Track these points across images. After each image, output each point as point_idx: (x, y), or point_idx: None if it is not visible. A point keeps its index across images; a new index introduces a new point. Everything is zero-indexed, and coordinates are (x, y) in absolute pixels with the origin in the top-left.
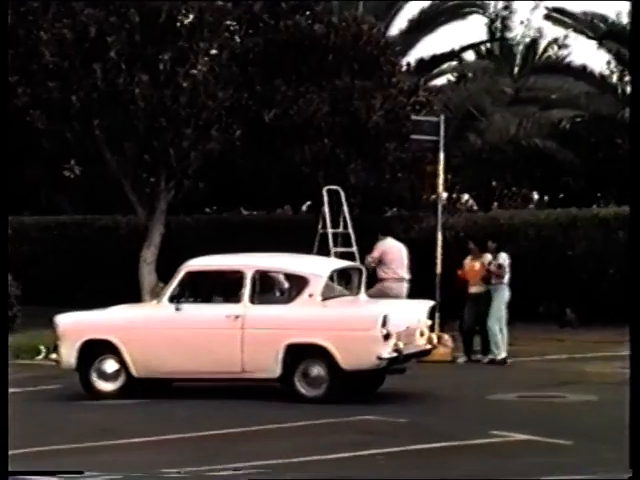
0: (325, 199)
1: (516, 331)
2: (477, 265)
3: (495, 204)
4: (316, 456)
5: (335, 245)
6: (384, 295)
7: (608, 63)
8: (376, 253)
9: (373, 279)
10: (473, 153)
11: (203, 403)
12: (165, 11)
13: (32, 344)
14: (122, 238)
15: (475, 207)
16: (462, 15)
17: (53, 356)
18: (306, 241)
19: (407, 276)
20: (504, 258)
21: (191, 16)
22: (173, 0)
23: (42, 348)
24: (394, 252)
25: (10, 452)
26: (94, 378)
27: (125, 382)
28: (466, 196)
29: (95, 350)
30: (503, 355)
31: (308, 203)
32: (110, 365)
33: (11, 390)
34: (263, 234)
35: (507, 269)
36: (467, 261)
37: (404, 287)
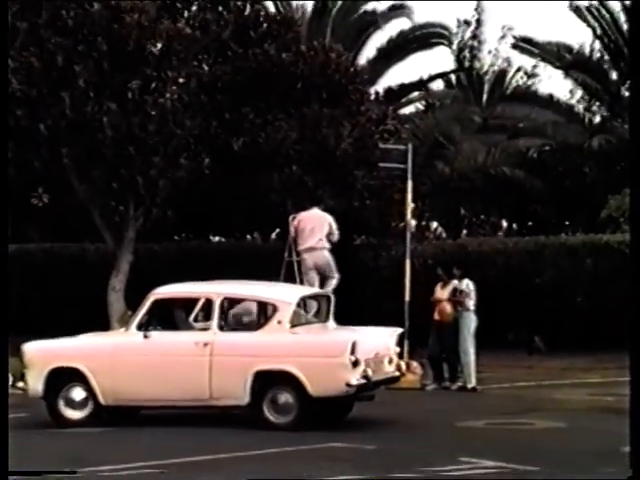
0: (291, 226)
1: (485, 358)
2: (445, 292)
3: (464, 232)
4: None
5: (300, 272)
6: (307, 267)
7: (571, 92)
8: (291, 226)
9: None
10: (442, 181)
11: (171, 431)
12: (133, 39)
13: None
14: (90, 266)
15: (444, 235)
16: (430, 45)
17: (20, 384)
18: (275, 268)
19: (318, 245)
20: (467, 284)
21: (159, 44)
22: (141, 28)
23: (9, 376)
24: (304, 222)
25: None
26: (61, 406)
27: (93, 410)
28: (435, 224)
29: (62, 378)
30: (473, 382)
31: (277, 230)
32: (78, 393)
33: None
34: (232, 262)
35: (472, 295)
36: (437, 288)
37: (319, 256)
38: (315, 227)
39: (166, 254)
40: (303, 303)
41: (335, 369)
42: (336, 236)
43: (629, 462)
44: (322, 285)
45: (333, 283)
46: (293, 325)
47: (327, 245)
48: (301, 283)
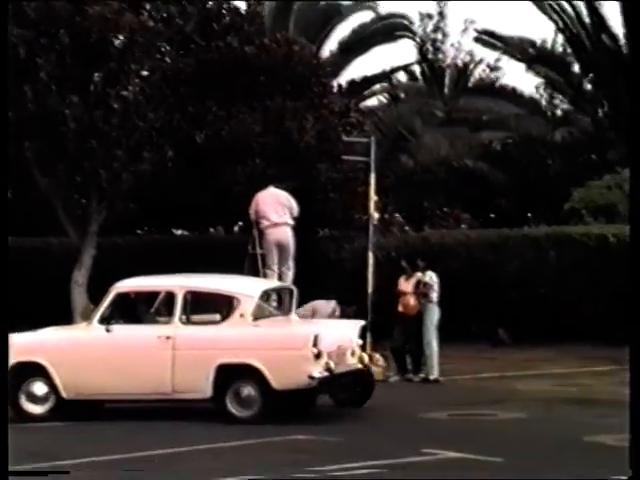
0: (251, 209)
1: (449, 350)
2: (409, 285)
3: (427, 225)
4: (247, 476)
5: (264, 266)
6: (268, 242)
7: (537, 88)
8: (251, 209)
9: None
10: (405, 174)
11: (134, 424)
12: (96, 32)
13: None
14: (53, 260)
15: (407, 228)
16: (393, 38)
17: None
18: (239, 261)
19: (281, 220)
20: (431, 276)
21: (122, 37)
22: (104, 21)
23: None
24: (263, 200)
25: None
26: (23, 401)
27: (55, 404)
28: (398, 216)
29: (24, 373)
30: (436, 374)
31: (240, 223)
32: (39, 387)
33: None
34: (196, 255)
35: (435, 288)
36: (401, 280)
37: (282, 231)
38: (275, 204)
39: (129, 247)
40: (266, 296)
41: (298, 362)
42: (296, 210)
43: (629, 462)
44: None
45: (289, 276)
46: (256, 318)
47: (289, 221)
48: (264, 276)
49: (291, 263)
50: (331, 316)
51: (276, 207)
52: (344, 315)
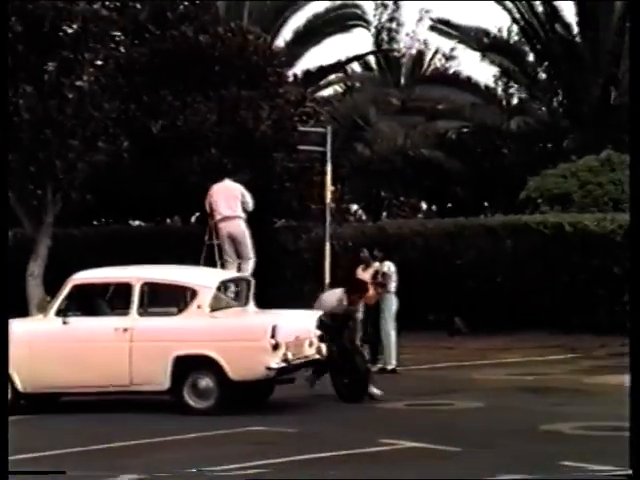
0: (206, 201)
1: (406, 340)
2: (367, 275)
3: (384, 214)
4: (204, 468)
5: (221, 257)
6: (221, 237)
7: (495, 77)
8: (206, 201)
9: None
10: (361, 163)
11: (91, 417)
12: (49, 21)
13: None
14: (8, 251)
15: (364, 217)
16: (347, 27)
17: None
18: (196, 252)
19: (232, 213)
20: (389, 266)
21: (75, 26)
22: (57, 10)
23: None
24: (219, 193)
25: None
26: None
27: (11, 397)
28: (355, 206)
29: None
30: (393, 364)
31: (197, 214)
32: None
33: None
34: (152, 246)
35: (393, 278)
36: (359, 270)
37: (235, 224)
38: (228, 197)
39: (85, 239)
40: (223, 287)
41: (255, 353)
42: (250, 205)
43: (629, 462)
44: (239, 267)
45: (250, 266)
46: (213, 309)
47: (242, 215)
48: (222, 267)
49: (251, 254)
50: (339, 304)
51: (229, 200)
52: None
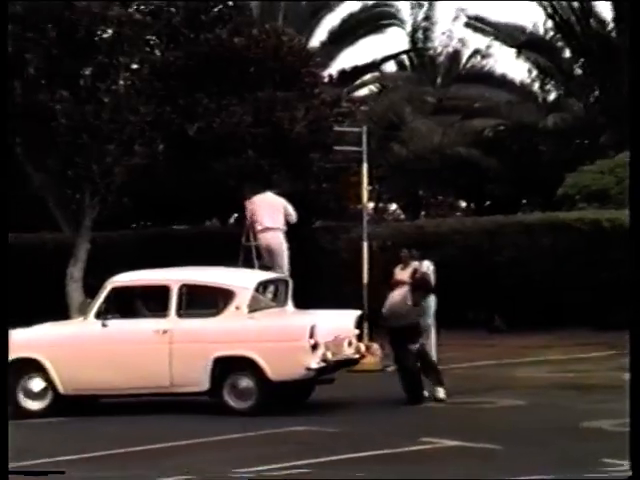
0: (247, 212)
1: (445, 338)
2: (405, 274)
3: (422, 213)
4: (246, 468)
5: (259, 258)
6: (263, 248)
7: (529, 72)
8: (247, 214)
9: None
10: (398, 163)
11: (132, 419)
12: (84, 26)
13: None
14: (48, 255)
15: (402, 216)
16: (382, 27)
17: None
18: (234, 254)
19: (274, 225)
20: (427, 266)
21: (110, 30)
22: (92, 14)
23: None
24: (259, 205)
25: None
26: (20, 397)
27: (52, 400)
28: (393, 205)
29: (21, 369)
30: None
31: (235, 215)
32: (36, 383)
33: None
34: (191, 248)
35: (432, 276)
36: (397, 270)
37: (274, 236)
38: (269, 209)
39: (124, 242)
40: (263, 287)
41: (294, 353)
42: (294, 217)
43: (629, 463)
44: None
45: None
46: (251, 310)
47: (282, 227)
48: (260, 268)
49: (285, 268)
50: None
51: (270, 212)
52: None
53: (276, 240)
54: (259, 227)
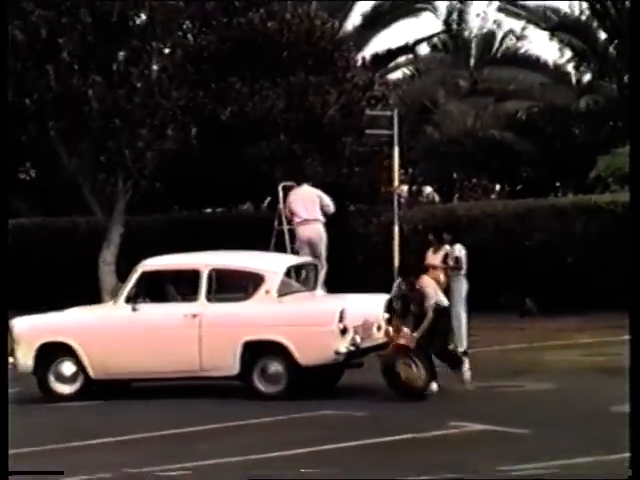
0: (280, 195)
1: (477, 321)
2: (437, 258)
3: (456, 196)
4: (276, 452)
5: (291, 242)
6: (300, 240)
7: (560, 50)
8: (287, 208)
9: None
10: (431, 146)
11: (162, 403)
12: (117, 11)
13: None
14: (81, 239)
15: (437, 200)
16: (416, 10)
17: (10, 360)
18: (267, 238)
19: (311, 217)
20: (459, 249)
21: (143, 15)
22: (125, 0)
23: None
24: (297, 197)
25: None
26: (52, 381)
27: (83, 384)
28: (428, 189)
29: (52, 353)
30: (464, 346)
31: (269, 199)
32: (68, 367)
33: None
34: (224, 232)
35: (464, 260)
36: (429, 253)
37: (313, 229)
38: (307, 201)
39: (157, 226)
40: (295, 271)
41: (324, 337)
42: (331, 207)
43: (629, 463)
44: None
45: (322, 276)
46: (281, 294)
47: (321, 218)
48: (292, 252)
49: (323, 258)
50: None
51: (307, 204)
52: None
53: (316, 233)
54: (297, 219)
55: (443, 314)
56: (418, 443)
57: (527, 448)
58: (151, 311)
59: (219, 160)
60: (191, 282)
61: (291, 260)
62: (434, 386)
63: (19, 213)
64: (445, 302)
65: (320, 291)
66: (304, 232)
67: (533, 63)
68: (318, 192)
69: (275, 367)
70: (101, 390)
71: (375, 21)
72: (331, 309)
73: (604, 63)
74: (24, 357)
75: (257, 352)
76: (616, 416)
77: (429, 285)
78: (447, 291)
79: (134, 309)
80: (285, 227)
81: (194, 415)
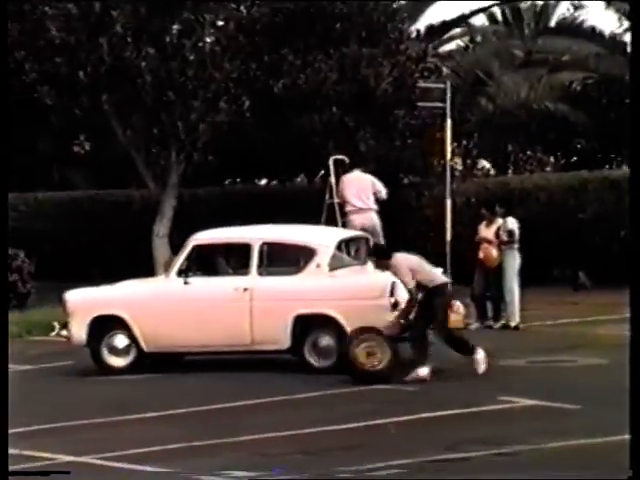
0: (332, 169)
1: (530, 295)
2: (490, 231)
3: (510, 169)
4: (329, 426)
5: (342, 215)
6: (352, 228)
7: (619, 20)
8: (339, 194)
9: None
10: (485, 118)
11: (214, 376)
12: None
13: (45, 320)
14: (135, 212)
15: (492, 172)
16: None
17: (64, 332)
18: (319, 211)
19: (364, 205)
20: (512, 223)
21: None
22: None
23: (55, 324)
24: (348, 185)
25: (29, 429)
26: (105, 354)
27: (136, 357)
28: (483, 161)
29: (105, 326)
30: (516, 320)
31: (322, 172)
32: (120, 340)
33: (25, 367)
34: (277, 205)
35: (516, 233)
36: (481, 227)
37: (367, 217)
38: (359, 188)
39: (210, 199)
40: (344, 245)
41: (375, 311)
42: (384, 194)
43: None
44: None
45: None
46: (332, 268)
47: (374, 206)
48: (343, 226)
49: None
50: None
51: (360, 192)
52: None
53: (370, 222)
54: (349, 208)
55: (435, 294)
56: (468, 417)
57: (577, 424)
58: (202, 284)
59: (271, 133)
60: (242, 256)
61: (342, 234)
62: (482, 366)
63: (74, 186)
64: (437, 280)
65: (371, 265)
66: (357, 220)
67: (588, 33)
68: (371, 178)
69: (326, 341)
70: (154, 363)
71: None
72: (383, 283)
73: None
74: (77, 330)
75: (308, 326)
76: None
77: (402, 265)
78: (499, 265)
79: (186, 282)
80: (336, 200)
81: (245, 389)
